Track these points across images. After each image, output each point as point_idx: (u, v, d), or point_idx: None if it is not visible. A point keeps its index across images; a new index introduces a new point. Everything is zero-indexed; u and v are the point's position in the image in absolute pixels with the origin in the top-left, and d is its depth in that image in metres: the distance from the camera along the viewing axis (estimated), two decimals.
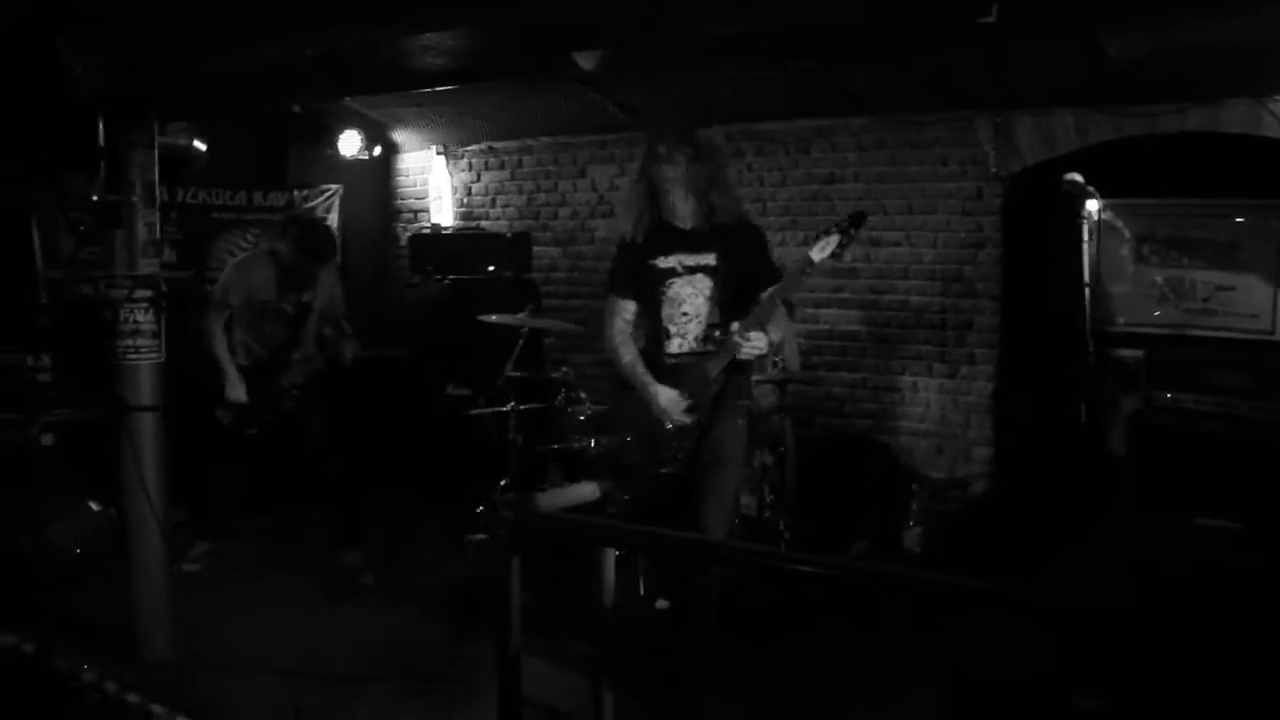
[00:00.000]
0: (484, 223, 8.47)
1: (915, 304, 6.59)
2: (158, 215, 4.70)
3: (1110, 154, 5.85)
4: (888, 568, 2.33)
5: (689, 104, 6.68)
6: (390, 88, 6.48)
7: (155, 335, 4.66)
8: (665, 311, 4.28)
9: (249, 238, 7.82)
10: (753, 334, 4.06)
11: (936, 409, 6.57)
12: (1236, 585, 4.07)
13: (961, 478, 6.44)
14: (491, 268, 7.52)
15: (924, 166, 6.55)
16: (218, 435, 5.63)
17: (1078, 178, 3.89)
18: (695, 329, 4.26)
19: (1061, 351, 5.84)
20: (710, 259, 4.22)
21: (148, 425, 4.65)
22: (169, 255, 7.29)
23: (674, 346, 4.29)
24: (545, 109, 7.55)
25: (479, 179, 8.58)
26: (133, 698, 3.98)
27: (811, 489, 6.19)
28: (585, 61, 4.76)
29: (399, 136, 8.71)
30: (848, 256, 4.48)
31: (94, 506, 5.67)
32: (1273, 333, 5.64)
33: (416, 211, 8.95)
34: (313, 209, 8.34)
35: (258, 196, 8.10)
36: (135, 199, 4.59)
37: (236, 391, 5.59)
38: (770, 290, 4.09)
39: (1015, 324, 6.31)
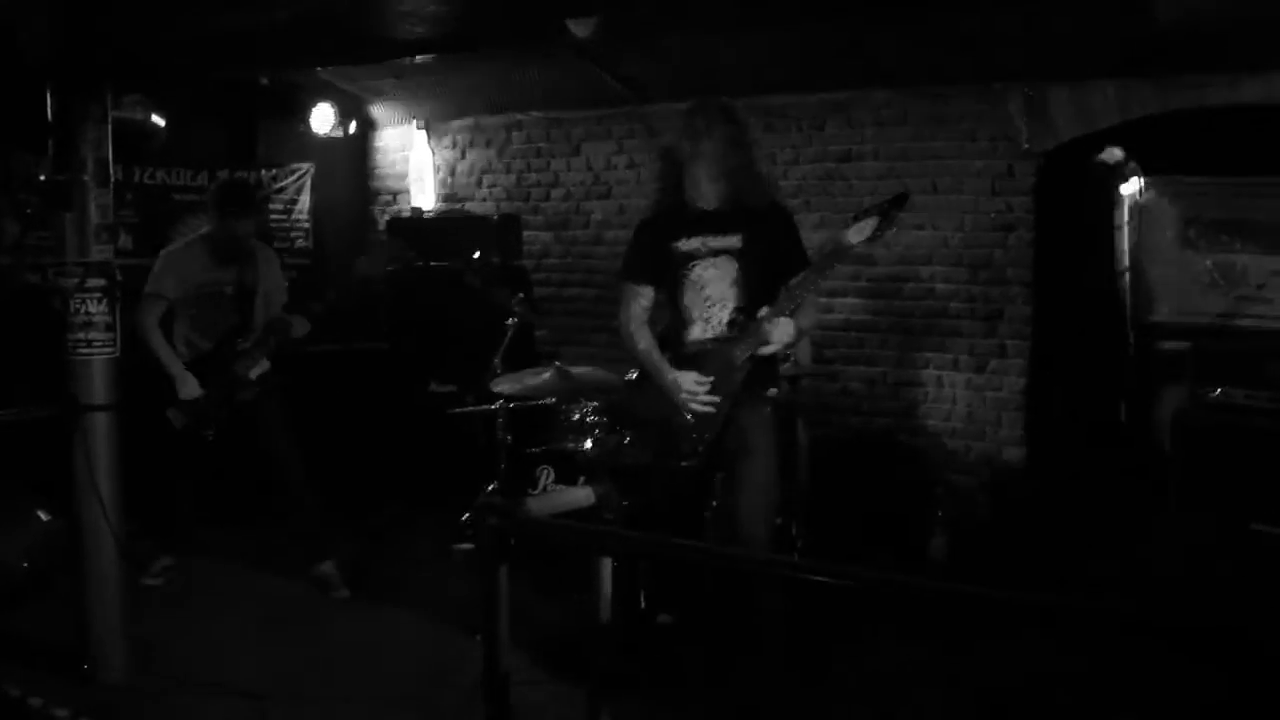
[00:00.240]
0: (469, 205, 8.46)
1: (940, 292, 6.57)
2: (112, 196, 4.67)
3: (1154, 128, 5.82)
4: (907, 579, 2.31)
5: (694, 75, 6.66)
6: (366, 58, 6.47)
7: (109, 328, 4.63)
8: (687, 297, 4.34)
9: None
10: (781, 321, 4.09)
11: (963, 406, 6.55)
12: None
13: (991, 480, 6.42)
14: (477, 253, 7.49)
15: (950, 143, 6.52)
16: (172, 440, 5.60)
17: (1118, 153, 3.88)
18: (719, 314, 4.30)
19: (1100, 343, 5.83)
20: (735, 241, 4.26)
21: (101, 426, 4.62)
22: (125, 241, 7.28)
23: (695, 333, 4.35)
24: (536, 81, 7.52)
25: (464, 157, 8.56)
26: None
27: (826, 493, 6.17)
28: (579, 28, 4.76)
29: (377, 111, 8.69)
30: (904, 242, 4.52)
31: (43, 516, 5.65)
32: None
33: (396, 192, 8.93)
34: (282, 190, 8.32)
35: (223, 176, 8.06)
36: (87, 178, 4.56)
37: (188, 389, 5.56)
38: (801, 276, 4.11)
39: (1049, 313, 6.28)
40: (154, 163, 7.73)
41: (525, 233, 7.94)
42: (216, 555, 6.25)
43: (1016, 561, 5.61)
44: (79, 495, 4.61)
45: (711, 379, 4.25)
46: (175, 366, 5.56)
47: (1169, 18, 5.11)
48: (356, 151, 8.99)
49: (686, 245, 4.31)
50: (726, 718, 4.41)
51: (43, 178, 4.63)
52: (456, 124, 8.52)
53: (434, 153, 8.67)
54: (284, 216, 8.42)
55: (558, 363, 6.32)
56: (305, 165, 8.45)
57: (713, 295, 4.30)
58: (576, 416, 5.99)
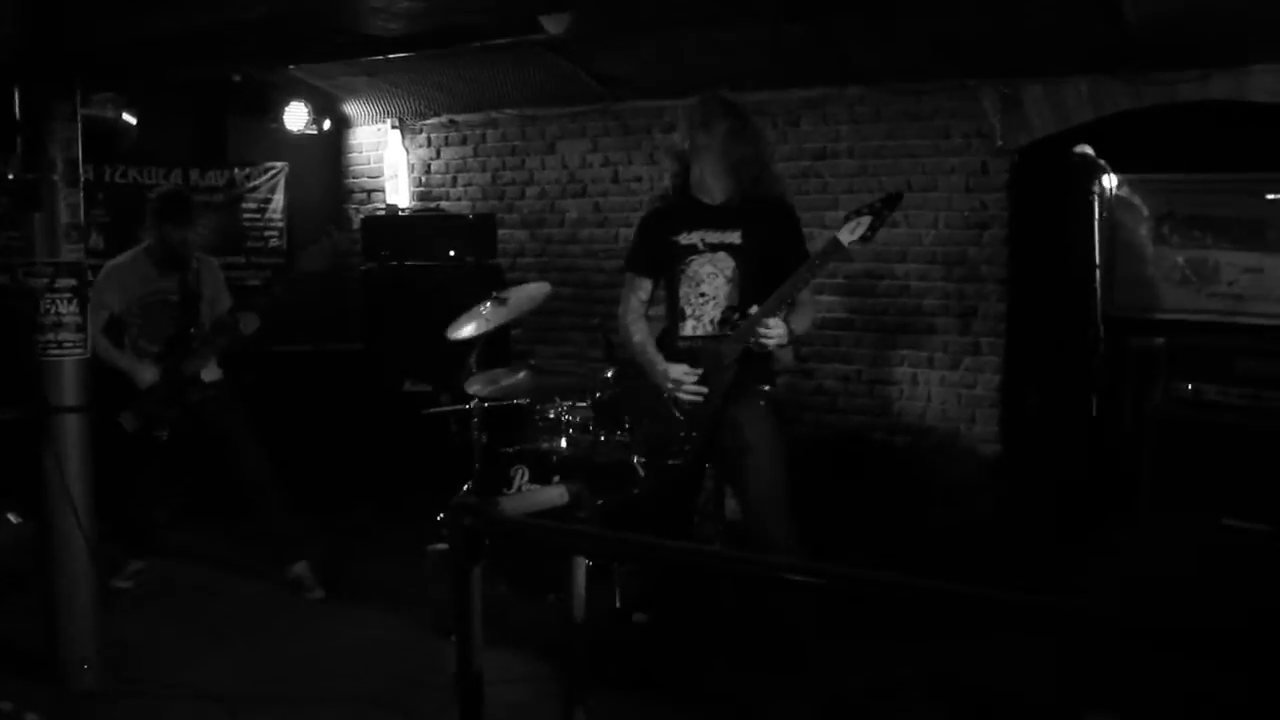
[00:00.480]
0: (444, 203, 8.43)
1: (915, 289, 6.59)
2: (82, 196, 4.64)
3: (1127, 125, 5.85)
4: (883, 576, 2.32)
5: (668, 72, 6.66)
6: (339, 55, 6.44)
7: (79, 329, 4.61)
8: (682, 291, 4.35)
9: None
10: (771, 321, 4.09)
11: (938, 404, 6.57)
12: (1265, 590, 4.09)
13: (965, 478, 6.43)
14: (452, 252, 7.48)
15: (924, 140, 6.54)
16: (126, 445, 5.55)
17: (1088, 150, 3.90)
18: (712, 311, 4.31)
19: (1074, 340, 5.85)
20: (735, 237, 4.28)
21: (72, 428, 4.60)
22: (95, 240, 7.24)
23: (688, 329, 4.35)
24: (511, 78, 7.51)
25: (438, 155, 8.54)
26: None
27: (801, 492, 6.16)
28: (553, 25, 4.74)
29: (350, 109, 8.66)
30: (879, 240, 4.52)
31: (12, 519, 5.62)
32: None
33: (370, 191, 8.90)
34: (255, 189, 8.28)
35: (195, 175, 8.04)
36: (56, 178, 4.53)
37: (145, 376, 5.52)
38: (792, 276, 4.10)
39: (1024, 311, 6.31)
40: (125, 161, 7.68)
41: (500, 231, 7.92)
42: (189, 558, 6.23)
43: (991, 559, 5.62)
44: (49, 498, 4.58)
45: (700, 371, 4.25)
46: (125, 360, 5.53)
47: (1141, 17, 5.14)
48: (330, 150, 8.96)
49: (686, 239, 4.33)
50: (702, 716, 4.41)
51: (11, 177, 4.60)
52: (431, 122, 8.50)
53: (408, 151, 8.64)
54: (257, 215, 8.38)
55: (532, 361, 6.32)
56: (279, 164, 8.41)
57: (708, 291, 4.31)
58: (551, 415, 5.97)
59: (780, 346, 4.22)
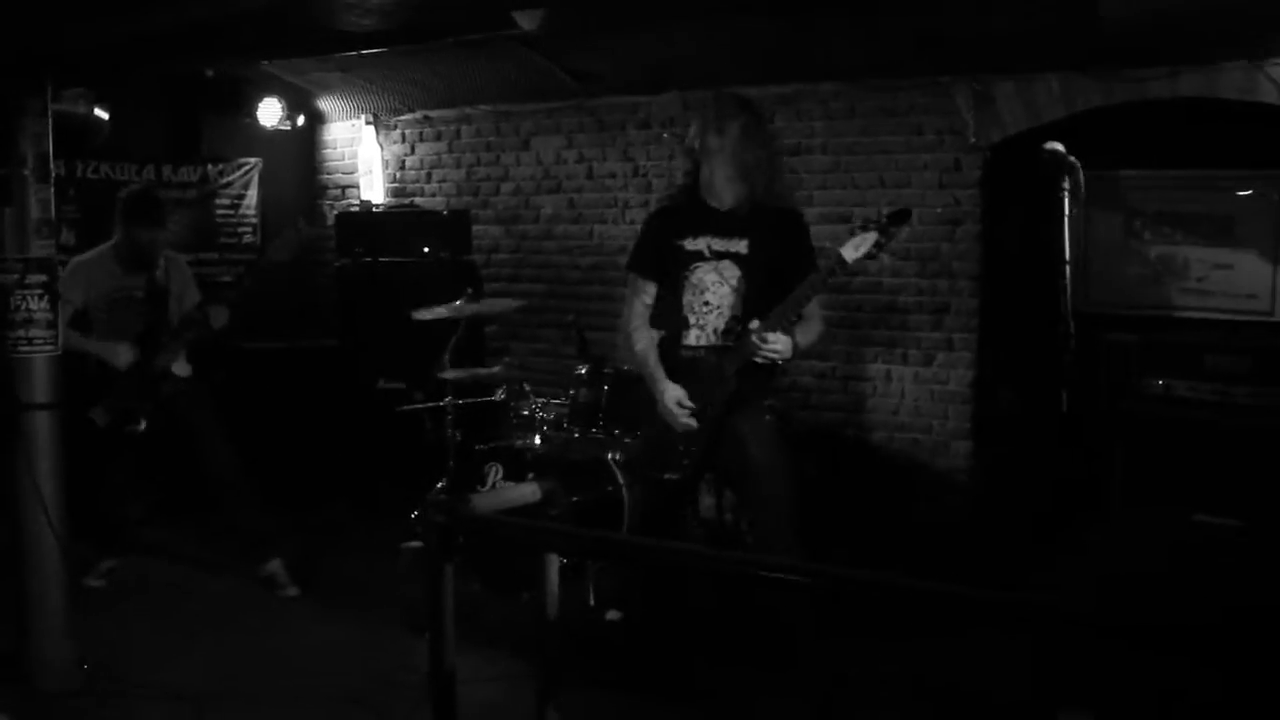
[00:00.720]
0: (418, 199, 8.40)
1: (888, 286, 6.60)
2: (53, 191, 4.60)
3: (1098, 122, 5.88)
4: (857, 574, 2.32)
5: (643, 68, 6.65)
6: (312, 50, 6.42)
7: (50, 325, 4.58)
8: (686, 298, 4.25)
9: None
10: (771, 335, 4.00)
11: (911, 400, 6.59)
12: (1235, 585, 4.11)
13: (939, 474, 6.45)
14: (427, 249, 7.45)
15: (897, 136, 6.55)
16: (98, 441, 5.52)
17: (1058, 147, 3.90)
18: (716, 321, 4.21)
19: (1045, 336, 5.85)
20: (742, 246, 4.18)
21: (43, 425, 4.56)
22: (67, 236, 7.18)
23: (691, 338, 4.25)
24: (486, 74, 7.48)
25: (413, 151, 8.50)
26: None
27: None
28: (526, 20, 4.73)
29: (324, 104, 8.62)
30: (885, 258, 4.46)
31: None
32: (1272, 313, 5.71)
33: (344, 187, 8.86)
34: (229, 184, 8.23)
35: (167, 171, 7.98)
36: (27, 173, 4.49)
37: (121, 355, 5.48)
38: (795, 291, 4.02)
39: (996, 307, 6.33)
40: (97, 156, 7.62)
41: (475, 227, 7.89)
42: (162, 555, 6.20)
43: (965, 555, 5.65)
44: (19, 496, 4.54)
45: (694, 406, 4.16)
46: (96, 345, 5.48)
47: (1113, 16, 5.16)
48: (304, 146, 8.91)
49: (692, 245, 4.22)
50: (676, 713, 4.41)
51: None
52: (405, 118, 8.46)
53: (383, 147, 8.61)
54: (231, 211, 8.33)
55: (507, 358, 6.31)
56: (253, 160, 8.36)
57: (712, 301, 4.21)
58: (526, 412, 5.96)
59: (785, 360, 4.13)
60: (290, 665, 4.86)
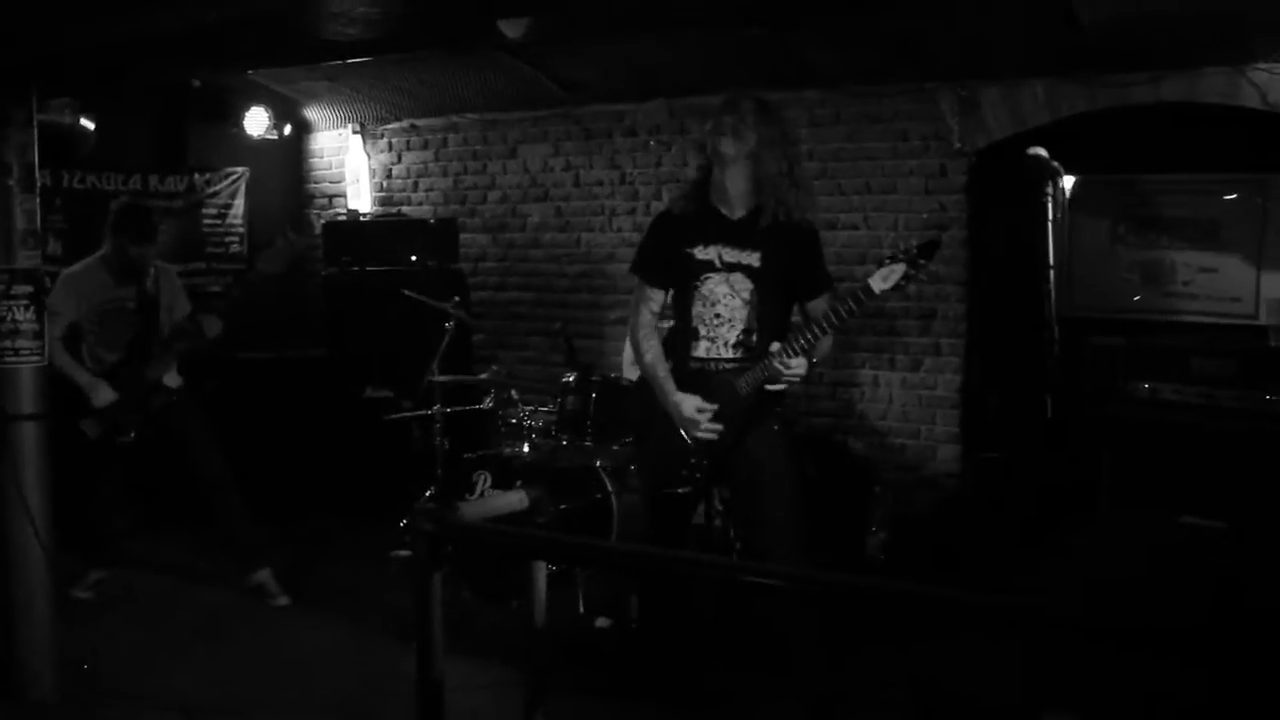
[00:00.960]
0: (405, 208, 8.40)
1: (882, 297, 6.58)
2: (38, 202, 4.59)
3: (1083, 127, 5.91)
4: (847, 577, 2.33)
5: (628, 76, 6.66)
6: (298, 59, 6.40)
7: (37, 336, 4.56)
8: (696, 309, 4.13)
9: None
10: (794, 361, 3.93)
11: (899, 405, 6.60)
12: (1222, 587, 4.11)
13: (927, 479, 6.47)
14: (414, 257, 7.45)
15: (883, 142, 6.57)
16: (89, 452, 5.50)
17: (1042, 152, 3.91)
18: (727, 334, 4.11)
19: (1031, 341, 5.88)
20: (754, 259, 4.06)
21: (29, 436, 4.54)
22: (53, 247, 7.17)
23: (701, 350, 4.14)
24: (472, 83, 7.49)
25: (400, 160, 8.50)
26: None
27: None
28: (511, 29, 4.72)
29: (311, 114, 8.62)
30: (911, 289, 4.37)
31: None
32: (1256, 316, 5.73)
33: (331, 196, 8.86)
34: (216, 194, 8.22)
35: (154, 181, 7.97)
36: (12, 183, 4.48)
37: (101, 395, 5.47)
38: (819, 319, 3.94)
39: (983, 312, 6.36)
40: (83, 166, 7.60)
41: (462, 236, 7.89)
42: (151, 566, 6.18)
43: (954, 559, 5.65)
44: (5, 507, 4.52)
45: (715, 407, 4.06)
46: (82, 376, 5.47)
47: (1095, 22, 5.18)
48: (291, 155, 8.90)
49: (703, 254, 4.09)
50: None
51: None
52: (392, 126, 8.46)
53: (370, 155, 8.60)
54: (218, 221, 8.32)
55: (495, 366, 6.31)
56: (240, 169, 8.35)
57: (723, 313, 4.09)
58: (514, 420, 5.96)
59: (801, 381, 4.06)
60: (279, 674, 4.84)
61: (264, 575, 5.69)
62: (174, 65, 5.79)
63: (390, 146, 8.52)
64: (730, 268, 4.07)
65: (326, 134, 8.81)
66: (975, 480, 6.31)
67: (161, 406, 5.59)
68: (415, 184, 8.43)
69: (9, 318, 4.49)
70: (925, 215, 6.43)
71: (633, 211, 7.36)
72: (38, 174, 4.57)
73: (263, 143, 8.30)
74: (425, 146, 8.37)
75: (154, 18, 4.38)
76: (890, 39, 5.94)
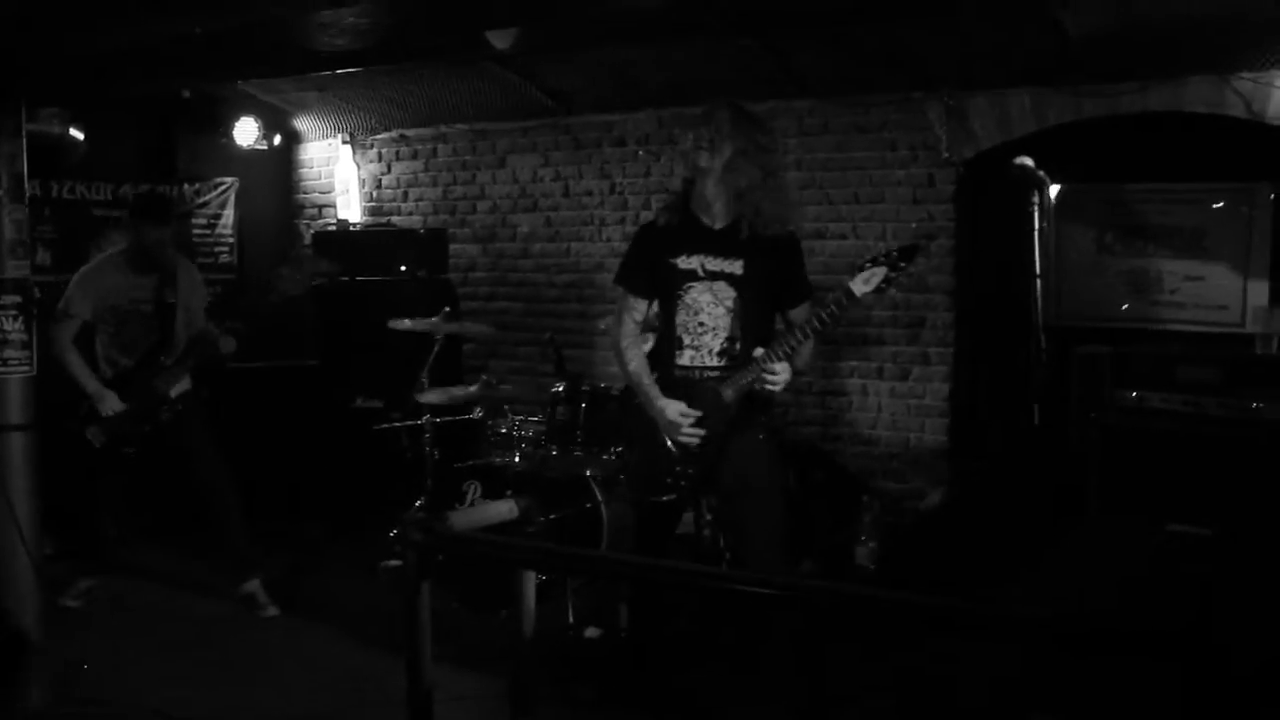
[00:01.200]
0: (395, 218, 8.40)
1: (863, 301, 6.60)
2: (27, 212, 4.58)
3: (1070, 136, 5.93)
4: (839, 586, 2.34)
5: (618, 86, 6.68)
6: (287, 70, 6.41)
7: (25, 346, 4.55)
8: (680, 318, 4.15)
9: None
10: (776, 366, 3.95)
11: (888, 414, 6.61)
12: (1208, 593, 4.13)
13: (916, 488, 6.48)
14: (404, 267, 7.44)
15: (871, 152, 6.59)
16: (92, 459, 5.51)
17: (1028, 162, 3.93)
18: (711, 342, 4.13)
19: (1018, 349, 5.90)
20: (737, 267, 4.09)
21: (17, 447, 4.53)
22: (42, 257, 7.15)
23: (685, 358, 4.16)
24: (462, 93, 7.50)
25: (389, 170, 8.50)
26: None
27: None
28: (499, 40, 4.73)
29: (301, 124, 8.61)
30: (892, 291, 4.39)
31: None
32: (1242, 325, 5.74)
33: (321, 206, 8.85)
34: (206, 204, 8.22)
35: (144, 190, 7.95)
36: (1, 193, 4.47)
37: (108, 404, 5.48)
38: (801, 324, 3.98)
39: (970, 321, 6.37)
40: (72, 176, 7.59)
41: (452, 246, 7.90)
42: (142, 574, 6.16)
43: (942, 567, 5.66)
44: None
45: (699, 413, 4.07)
46: (92, 384, 5.49)
47: (1082, 33, 5.21)
48: (281, 165, 8.90)
49: (686, 263, 4.11)
50: None
51: None
52: (382, 136, 8.46)
53: (359, 165, 8.60)
54: (208, 231, 8.32)
55: (485, 376, 6.31)
56: (229, 179, 8.35)
57: (706, 322, 4.11)
58: (504, 430, 5.96)
59: (785, 388, 4.06)
60: (268, 685, 4.83)
61: (253, 585, 5.69)
62: (163, 75, 5.79)
63: (380, 156, 8.53)
64: (713, 276, 4.10)
65: (316, 144, 8.81)
66: (964, 488, 6.32)
67: (168, 420, 5.60)
68: (405, 194, 8.44)
69: None
70: (913, 225, 6.44)
71: (622, 221, 7.37)
72: (26, 184, 4.57)
73: (252, 153, 8.29)
74: (415, 156, 8.37)
75: (144, 28, 4.39)
76: (878, 49, 5.96)
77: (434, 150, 8.28)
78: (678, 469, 4.11)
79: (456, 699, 4.34)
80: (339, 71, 6.34)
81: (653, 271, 4.20)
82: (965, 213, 6.34)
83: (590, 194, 7.58)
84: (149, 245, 5.58)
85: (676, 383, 4.15)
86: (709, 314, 4.12)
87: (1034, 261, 3.77)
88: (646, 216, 4.33)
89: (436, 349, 6.03)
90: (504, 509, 3.39)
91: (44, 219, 7.29)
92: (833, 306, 3.94)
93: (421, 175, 8.35)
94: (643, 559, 3.91)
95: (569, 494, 5.42)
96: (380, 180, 8.53)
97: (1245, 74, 5.46)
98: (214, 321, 5.68)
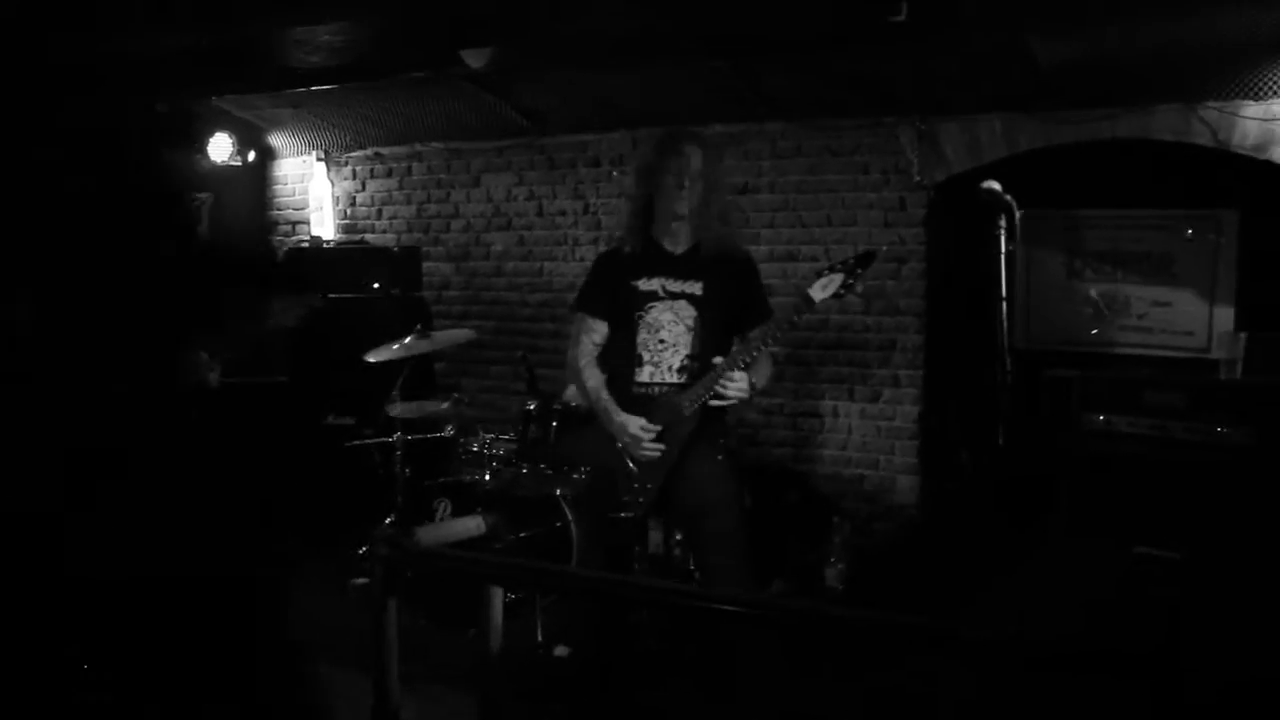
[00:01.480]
0: (369, 236, 8.39)
1: (835, 323, 6.66)
2: None
3: (1041, 162, 5.98)
4: (810, 605, 2.35)
5: (593, 107, 6.70)
6: (262, 86, 6.42)
7: None
8: (640, 337, 4.20)
9: None
10: (735, 374, 4.00)
11: (858, 436, 6.64)
12: (1169, 616, 4.17)
13: (886, 509, 6.50)
14: (377, 285, 7.44)
15: (844, 175, 6.63)
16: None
17: (995, 186, 3.97)
18: (671, 358, 4.17)
19: (986, 372, 5.93)
20: (696, 287, 4.17)
21: None
22: None
23: (645, 375, 4.20)
24: (436, 112, 7.51)
25: (364, 188, 8.50)
26: None
27: None
28: (474, 59, 4.75)
29: (275, 140, 8.60)
30: (851, 299, 4.47)
31: None
32: (1208, 350, 5.80)
33: (295, 223, 8.83)
34: None
35: None
36: None
37: None
38: (759, 329, 4.07)
39: (940, 343, 6.40)
40: None
41: (426, 264, 7.90)
42: None
43: (910, 588, 5.68)
44: None
45: (659, 427, 4.11)
46: None
47: (1051, 62, 5.27)
48: (255, 181, 8.87)
49: (646, 285, 4.19)
50: None
51: None
52: (357, 154, 8.46)
53: (334, 183, 8.60)
54: None
55: (456, 394, 6.30)
56: (203, 195, 8.32)
57: (667, 339, 4.17)
58: (475, 448, 5.96)
59: (743, 400, 4.12)
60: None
61: None
62: (138, 90, 5.78)
63: (354, 174, 8.53)
64: (674, 296, 4.18)
65: (290, 160, 8.79)
66: (934, 510, 6.35)
67: None
68: (379, 212, 8.43)
69: None
70: (885, 247, 6.47)
71: (595, 241, 7.39)
72: None
73: (226, 169, 8.27)
74: (389, 174, 8.37)
75: (119, 42, 4.39)
76: (848, 74, 6.00)
77: (408, 168, 8.28)
78: (635, 485, 4.15)
79: (425, 716, 4.33)
80: (314, 88, 6.34)
81: (614, 295, 4.27)
82: (936, 236, 6.39)
83: (564, 214, 7.60)
84: None
85: (635, 399, 4.19)
86: (669, 332, 4.18)
87: (999, 284, 3.80)
88: (621, 237, 4.40)
89: (407, 369, 6.03)
90: (471, 525, 3.39)
91: None
92: (792, 314, 4.05)
93: (396, 193, 8.35)
94: (612, 575, 3.91)
95: (539, 513, 5.42)
96: (354, 198, 8.53)
97: (1211, 103, 5.53)
98: (205, 352, 5.66)
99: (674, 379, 4.17)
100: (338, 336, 7.08)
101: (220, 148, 8.08)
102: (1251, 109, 5.49)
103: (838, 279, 4.03)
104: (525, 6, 4.19)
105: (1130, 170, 5.84)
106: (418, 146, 8.14)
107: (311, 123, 8.10)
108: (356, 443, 6.38)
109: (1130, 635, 4.23)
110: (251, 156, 8.44)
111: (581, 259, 7.46)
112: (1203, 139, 5.56)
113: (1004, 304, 3.82)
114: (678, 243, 4.21)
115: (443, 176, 8.12)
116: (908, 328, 6.47)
